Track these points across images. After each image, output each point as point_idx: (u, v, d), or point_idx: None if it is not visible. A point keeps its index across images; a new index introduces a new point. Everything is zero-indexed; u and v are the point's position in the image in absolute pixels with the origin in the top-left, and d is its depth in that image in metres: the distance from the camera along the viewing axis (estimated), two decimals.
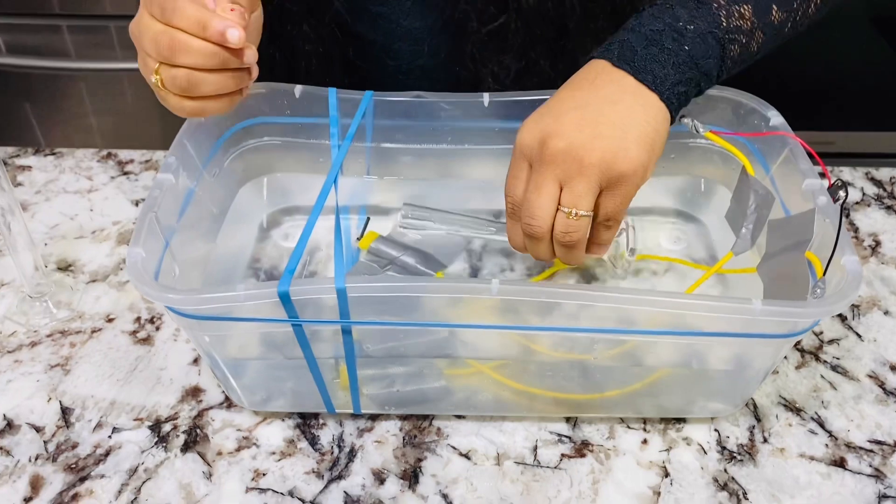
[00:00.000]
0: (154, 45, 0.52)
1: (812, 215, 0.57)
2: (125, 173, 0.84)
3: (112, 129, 1.66)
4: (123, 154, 0.87)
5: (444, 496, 0.56)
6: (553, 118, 0.53)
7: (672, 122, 0.55)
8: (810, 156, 0.62)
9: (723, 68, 0.58)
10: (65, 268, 0.73)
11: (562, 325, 0.53)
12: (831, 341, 0.67)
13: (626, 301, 0.50)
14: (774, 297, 0.59)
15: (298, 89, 0.67)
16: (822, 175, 0.60)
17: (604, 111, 0.53)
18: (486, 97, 0.67)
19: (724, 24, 0.56)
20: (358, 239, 0.70)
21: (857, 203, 0.81)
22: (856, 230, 0.78)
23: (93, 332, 0.68)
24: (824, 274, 0.53)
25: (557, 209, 0.53)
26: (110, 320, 0.69)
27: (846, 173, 0.85)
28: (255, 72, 0.56)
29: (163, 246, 0.56)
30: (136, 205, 0.80)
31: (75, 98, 1.72)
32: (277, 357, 0.57)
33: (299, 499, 0.56)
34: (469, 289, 0.51)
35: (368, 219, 0.72)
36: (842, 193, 0.59)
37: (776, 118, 0.65)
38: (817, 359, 0.66)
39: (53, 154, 0.86)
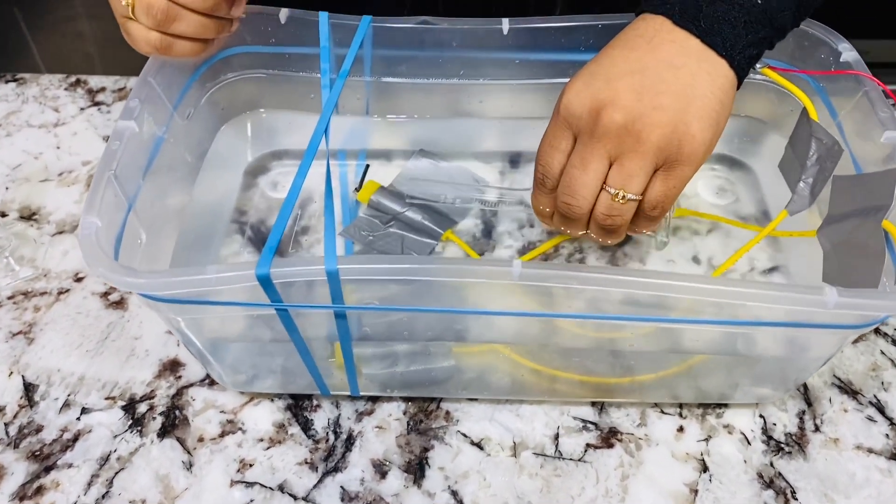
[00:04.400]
0: None
1: (894, 177, 0.47)
2: (96, 104, 0.75)
3: (103, 35, 1.59)
4: (94, 81, 0.77)
5: (454, 493, 0.50)
6: (605, 82, 0.44)
7: (738, 87, 0.46)
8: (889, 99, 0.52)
9: (797, 18, 0.48)
10: (28, 216, 0.65)
11: (590, 309, 0.45)
12: None
13: (671, 289, 0.42)
14: (837, 269, 0.51)
15: (284, 13, 0.57)
16: None
17: (664, 77, 0.43)
18: (504, 23, 0.57)
19: None
20: (356, 190, 0.62)
21: None
22: None
23: (59, 293, 0.60)
24: None
25: (602, 188, 0.45)
26: (79, 279, 0.61)
27: None
28: (235, 26, 0.55)
29: (125, 210, 0.48)
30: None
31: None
32: (263, 338, 0.50)
33: (290, 494, 0.50)
34: (486, 272, 0.43)
35: (367, 166, 0.63)
36: None
37: (848, 53, 0.55)
38: (877, 331, 0.58)
39: (15, 80, 0.77)
